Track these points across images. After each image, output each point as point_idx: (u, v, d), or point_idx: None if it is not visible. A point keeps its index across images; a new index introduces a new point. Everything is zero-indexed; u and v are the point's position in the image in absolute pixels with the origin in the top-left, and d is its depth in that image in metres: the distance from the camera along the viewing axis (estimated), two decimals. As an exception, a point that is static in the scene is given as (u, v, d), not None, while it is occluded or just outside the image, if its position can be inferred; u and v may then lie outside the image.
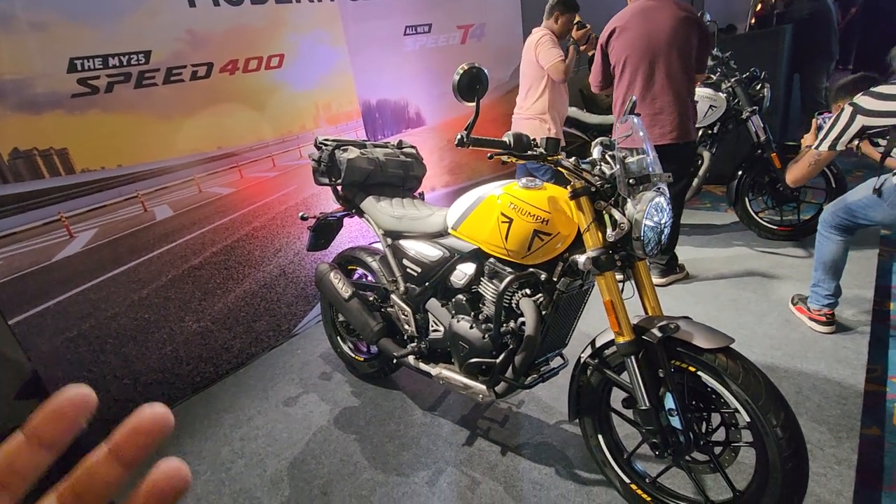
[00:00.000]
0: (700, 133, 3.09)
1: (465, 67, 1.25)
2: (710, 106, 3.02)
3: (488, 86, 1.28)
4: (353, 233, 3.14)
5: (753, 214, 3.09)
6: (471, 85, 1.26)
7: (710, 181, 3.29)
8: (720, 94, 3.01)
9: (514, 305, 1.53)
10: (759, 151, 2.93)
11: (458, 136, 1.26)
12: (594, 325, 2.04)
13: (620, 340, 1.31)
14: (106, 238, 2.16)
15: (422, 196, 2.18)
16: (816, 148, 1.98)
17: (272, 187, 2.71)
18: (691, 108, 2.47)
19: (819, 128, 2.11)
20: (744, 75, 2.98)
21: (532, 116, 2.96)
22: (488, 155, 1.33)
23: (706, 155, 3.12)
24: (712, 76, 3.11)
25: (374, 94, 3.23)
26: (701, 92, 3.05)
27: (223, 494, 1.82)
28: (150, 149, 2.23)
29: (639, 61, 2.42)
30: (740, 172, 3.04)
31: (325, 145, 2.05)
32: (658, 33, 2.36)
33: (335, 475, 1.81)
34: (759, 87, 2.95)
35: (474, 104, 1.27)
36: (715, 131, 3.09)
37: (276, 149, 2.69)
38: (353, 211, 2.11)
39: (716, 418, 1.32)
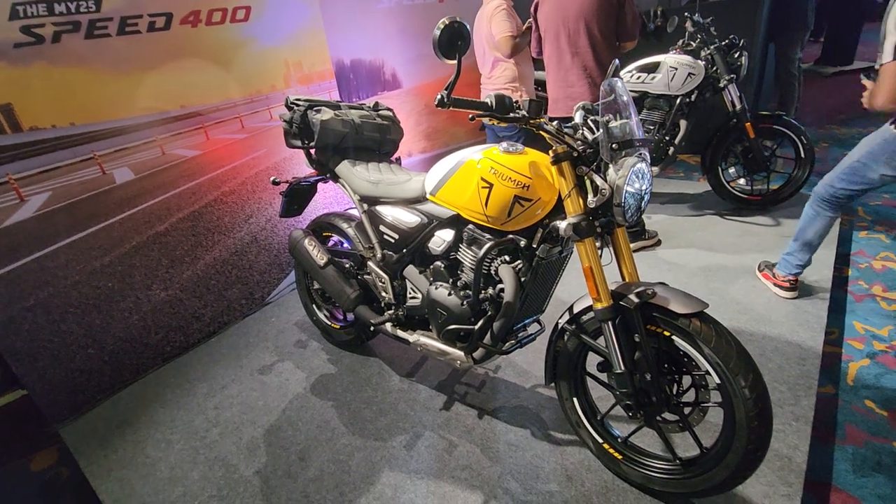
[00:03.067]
0: (678, 101, 3.08)
1: (447, 22, 1.18)
2: (689, 74, 3.00)
3: (470, 42, 1.22)
4: (328, 198, 3.05)
5: (725, 184, 3.15)
6: (452, 41, 1.20)
7: (684, 151, 3.32)
8: (699, 61, 2.99)
9: (492, 272, 1.52)
10: (734, 121, 2.95)
11: (439, 96, 1.21)
12: (570, 292, 2.07)
13: (598, 306, 1.32)
14: (61, 202, 2.03)
15: (398, 161, 2.12)
16: (888, 61, 1.63)
17: (241, 150, 2.59)
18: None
19: (868, 74, 1.86)
20: (723, 43, 2.96)
21: (501, 86, 2.88)
22: (469, 116, 1.28)
23: (683, 123, 3.13)
24: (692, 43, 3.08)
25: (347, 54, 3.08)
26: (680, 59, 3.03)
27: (198, 462, 1.80)
28: (105, 106, 2.08)
29: (553, 34, 2.47)
30: (714, 141, 3.07)
31: (297, 105, 1.95)
32: (568, 6, 2.36)
33: (313, 441, 1.81)
34: (737, 56, 2.95)
35: (455, 62, 1.21)
36: (692, 99, 3.09)
37: (244, 109, 2.55)
38: (328, 175, 2.04)
39: (685, 380, 1.36)
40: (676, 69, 3.02)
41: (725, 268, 2.55)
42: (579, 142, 1.31)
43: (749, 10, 3.90)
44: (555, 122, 1.32)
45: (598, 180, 1.27)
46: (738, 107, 2.90)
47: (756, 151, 2.92)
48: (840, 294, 2.32)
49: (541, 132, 1.31)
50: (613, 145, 1.24)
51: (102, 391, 2.24)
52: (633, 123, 1.28)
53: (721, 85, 2.93)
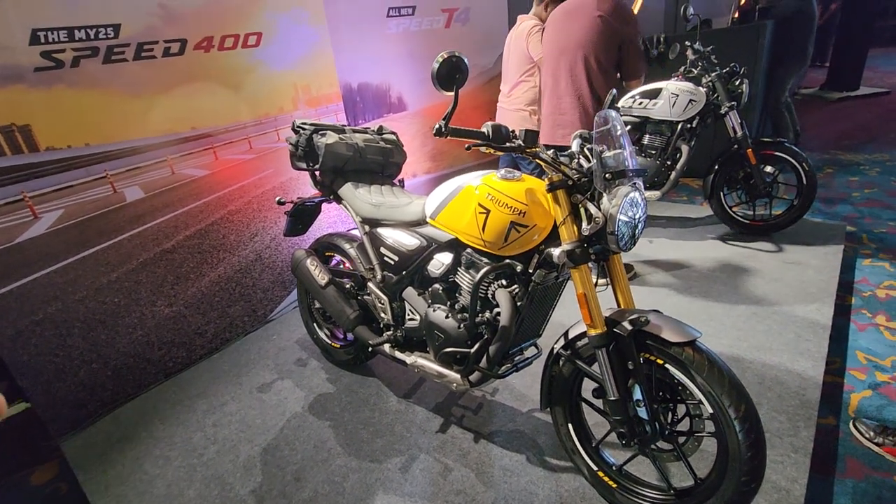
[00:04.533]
0: (679, 127, 3.12)
1: (445, 56, 1.23)
2: (690, 100, 3.04)
3: (468, 75, 1.27)
4: (332, 218, 3.10)
5: (727, 208, 3.16)
6: (450, 74, 1.24)
7: (687, 175, 3.34)
8: (700, 88, 3.03)
9: (489, 296, 1.54)
10: (736, 147, 2.98)
11: (437, 126, 1.24)
12: (569, 316, 2.07)
13: (592, 333, 1.33)
14: (72, 219, 2.08)
15: (402, 183, 2.16)
16: None
17: (248, 170, 2.65)
18: (598, 111, 2.38)
19: None
20: (724, 70, 3.01)
21: (520, 108, 2.93)
22: (466, 146, 1.32)
23: (684, 148, 3.16)
24: (693, 70, 3.13)
25: (355, 77, 3.16)
26: (681, 86, 3.07)
27: (195, 480, 1.81)
28: (119, 128, 2.15)
29: (550, 61, 2.46)
30: (716, 167, 3.10)
31: (303, 129, 2.01)
32: (569, 35, 2.34)
33: (309, 461, 1.81)
34: (737, 83, 2.99)
35: (453, 93, 1.25)
36: (693, 125, 3.12)
37: (252, 131, 2.62)
38: (331, 197, 2.08)
39: (681, 409, 1.36)
40: (678, 95, 3.06)
41: (726, 293, 2.54)
42: (574, 170, 1.34)
43: (751, 37, 3.97)
44: (551, 151, 1.35)
45: (593, 209, 1.30)
46: (740, 133, 2.92)
47: (757, 178, 2.93)
48: (842, 322, 2.30)
49: (537, 160, 1.34)
50: (607, 175, 1.26)
51: (104, 406, 2.26)
52: (627, 154, 1.30)
53: (722, 111, 2.96)
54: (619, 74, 2.49)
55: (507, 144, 1.31)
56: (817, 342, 2.07)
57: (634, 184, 1.31)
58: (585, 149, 1.38)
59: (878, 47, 8.67)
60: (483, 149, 1.33)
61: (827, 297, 2.38)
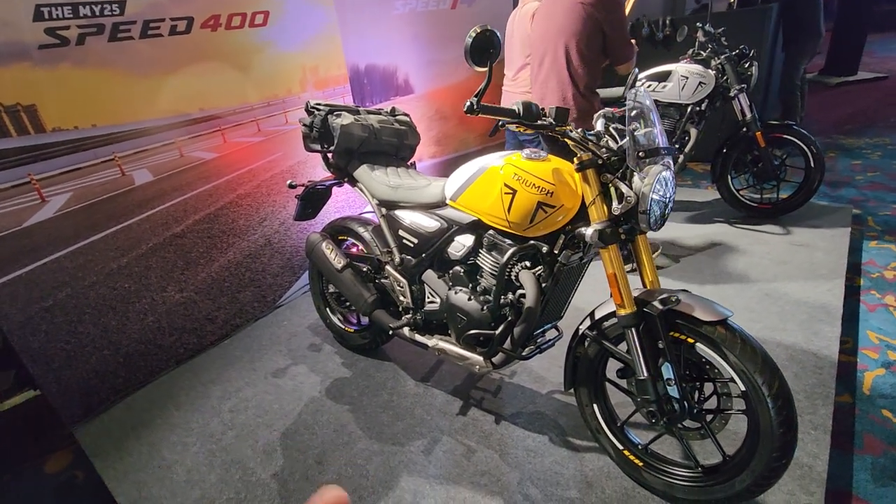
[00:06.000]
0: (688, 110, 3.11)
1: (478, 30, 1.20)
2: (700, 83, 3.02)
3: (501, 51, 1.24)
4: (339, 203, 3.07)
5: (735, 192, 3.16)
6: (483, 49, 1.22)
7: (692, 159, 3.33)
8: (710, 70, 3.02)
9: (513, 278, 1.53)
10: (744, 130, 2.97)
11: (468, 103, 1.22)
12: (585, 300, 2.07)
13: (622, 312, 1.33)
14: (81, 203, 2.04)
15: (414, 166, 2.13)
16: None
17: (257, 153, 2.60)
18: (577, 99, 2.37)
19: None
20: (733, 52, 2.99)
21: (526, 91, 2.90)
22: (498, 122, 1.30)
23: (693, 131, 3.15)
24: (702, 52, 3.11)
25: (362, 59, 3.10)
26: (691, 68, 3.05)
27: (215, 466, 1.80)
28: (127, 108, 2.10)
29: (535, 47, 2.46)
30: (724, 150, 3.09)
31: (318, 110, 1.97)
32: (552, 21, 2.33)
33: (329, 445, 1.81)
34: (747, 66, 2.97)
35: (486, 69, 1.23)
36: (702, 108, 3.11)
37: (261, 113, 2.57)
38: (346, 179, 2.05)
39: (707, 387, 1.37)
40: (687, 78, 3.04)
41: (737, 276, 2.55)
42: (604, 149, 1.32)
43: (756, 20, 3.94)
44: (580, 130, 1.34)
45: (624, 188, 1.28)
46: (749, 116, 2.92)
47: (766, 161, 2.93)
48: (852, 303, 2.32)
49: (566, 139, 1.32)
50: (640, 153, 1.25)
51: (116, 393, 2.24)
52: (658, 132, 1.29)
53: (731, 94, 2.95)
54: (608, 60, 2.45)
55: (539, 122, 1.29)
56: (830, 322, 2.09)
57: (665, 162, 1.30)
58: (611, 128, 1.36)
59: (875, 32, 8.68)
60: (513, 126, 1.31)
61: (837, 278, 2.40)
